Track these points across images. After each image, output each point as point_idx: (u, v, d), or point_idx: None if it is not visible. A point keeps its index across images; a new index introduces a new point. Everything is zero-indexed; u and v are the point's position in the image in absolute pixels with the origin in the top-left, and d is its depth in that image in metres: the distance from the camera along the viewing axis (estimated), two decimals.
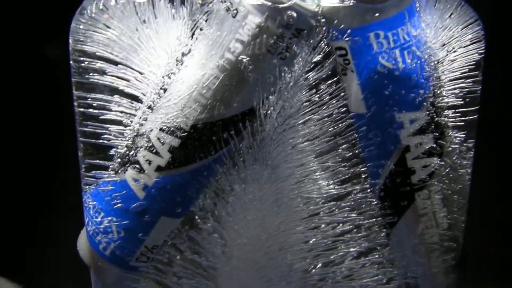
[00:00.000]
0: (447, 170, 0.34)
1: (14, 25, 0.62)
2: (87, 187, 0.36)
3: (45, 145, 0.61)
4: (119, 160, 0.35)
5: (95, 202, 0.35)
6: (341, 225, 0.35)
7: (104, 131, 0.35)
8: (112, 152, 0.35)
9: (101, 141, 0.35)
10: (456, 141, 0.35)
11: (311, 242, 0.36)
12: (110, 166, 0.35)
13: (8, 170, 0.60)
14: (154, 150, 0.33)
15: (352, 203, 0.35)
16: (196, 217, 0.35)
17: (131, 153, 0.34)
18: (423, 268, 0.36)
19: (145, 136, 0.34)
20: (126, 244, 0.35)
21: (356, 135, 0.34)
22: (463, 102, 0.34)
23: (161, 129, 0.33)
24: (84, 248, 0.37)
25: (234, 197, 0.35)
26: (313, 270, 0.37)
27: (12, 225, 0.63)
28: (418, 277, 0.37)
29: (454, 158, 0.35)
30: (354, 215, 0.35)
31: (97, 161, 0.35)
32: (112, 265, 0.36)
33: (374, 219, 0.35)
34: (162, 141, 0.33)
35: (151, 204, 0.34)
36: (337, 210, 0.35)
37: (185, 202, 0.34)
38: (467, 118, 0.35)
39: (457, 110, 0.34)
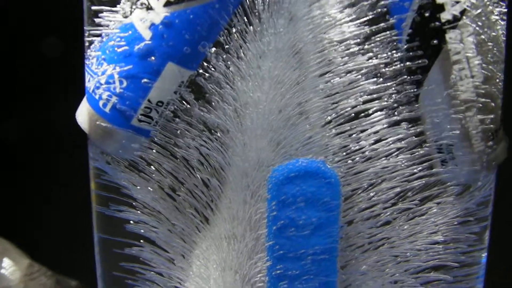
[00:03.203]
0: (479, 11, 0.32)
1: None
2: (91, 44, 0.33)
3: None
4: (125, 3, 0.32)
5: (98, 53, 0.33)
6: (364, 74, 0.32)
7: None
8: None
9: None
10: None
11: (331, 107, 0.33)
12: (116, 13, 0.33)
13: None
14: None
15: (378, 43, 0.32)
16: (205, 64, 0.32)
17: None
18: (459, 128, 0.32)
19: None
20: (129, 94, 0.32)
21: None
22: None
23: None
24: (82, 114, 0.34)
25: (247, 42, 0.32)
26: (334, 138, 0.33)
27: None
28: (454, 144, 0.33)
29: (486, 1, 0.32)
30: (378, 59, 0.32)
31: (103, 7, 0.33)
32: (113, 125, 0.33)
33: (402, 64, 0.32)
34: None
35: (157, 44, 0.32)
36: (360, 55, 0.32)
37: (194, 41, 0.32)
38: None
39: None
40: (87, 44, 0.34)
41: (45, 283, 0.49)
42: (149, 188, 0.34)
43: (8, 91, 0.66)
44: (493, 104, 0.33)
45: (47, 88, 0.65)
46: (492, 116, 0.33)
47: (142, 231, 0.35)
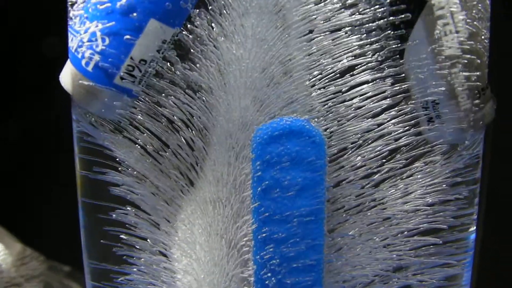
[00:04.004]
0: None
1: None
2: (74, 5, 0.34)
3: None
4: None
5: (81, 11, 0.33)
6: (348, 30, 0.32)
7: None
8: None
9: None
10: None
11: (315, 64, 0.32)
12: None
13: None
14: None
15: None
16: (187, 25, 0.32)
17: None
18: (445, 85, 0.32)
19: None
20: (111, 51, 0.32)
21: None
22: None
23: None
24: (66, 75, 0.34)
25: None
26: (319, 97, 0.32)
27: None
28: (439, 101, 0.32)
29: None
30: (362, 15, 0.32)
31: None
32: (96, 83, 0.32)
33: (386, 19, 0.32)
34: None
35: (139, 0, 0.32)
36: (344, 11, 0.32)
37: None
38: None
39: None
40: (70, 4, 0.34)
41: (37, 268, 0.48)
42: (133, 149, 0.33)
43: (8, 91, 0.67)
44: (478, 61, 0.32)
45: (47, 88, 0.65)
46: (478, 73, 0.32)
47: (128, 196, 0.34)
